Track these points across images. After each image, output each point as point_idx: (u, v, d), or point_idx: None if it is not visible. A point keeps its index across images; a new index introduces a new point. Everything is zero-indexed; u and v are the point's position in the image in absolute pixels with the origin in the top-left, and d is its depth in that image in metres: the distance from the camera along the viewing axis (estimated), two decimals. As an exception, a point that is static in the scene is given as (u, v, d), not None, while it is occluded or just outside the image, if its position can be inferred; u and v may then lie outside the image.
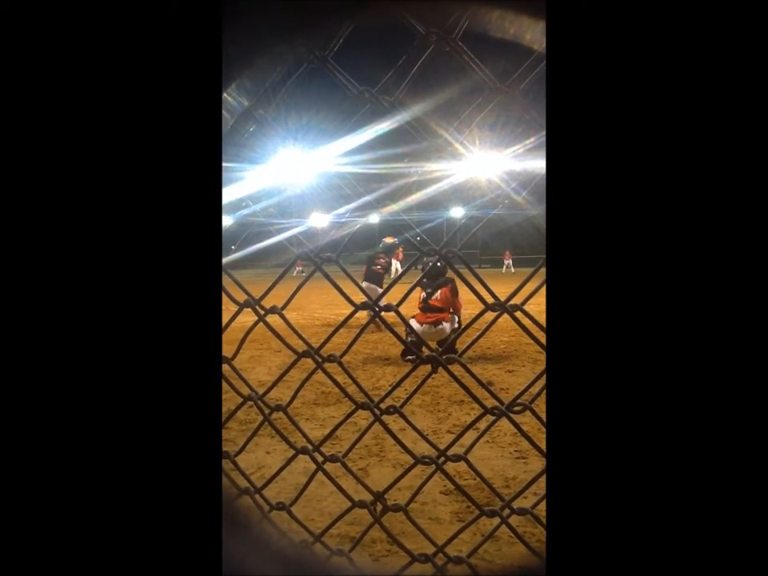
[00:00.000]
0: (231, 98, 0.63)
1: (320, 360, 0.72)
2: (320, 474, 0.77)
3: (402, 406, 0.72)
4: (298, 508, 0.78)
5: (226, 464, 0.65)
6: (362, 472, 2.58)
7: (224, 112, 0.61)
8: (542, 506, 0.70)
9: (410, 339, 4.84)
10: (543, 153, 0.52)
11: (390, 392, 0.73)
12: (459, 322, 5.35)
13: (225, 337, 0.66)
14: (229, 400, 0.73)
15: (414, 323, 5.25)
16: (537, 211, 0.68)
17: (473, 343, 0.75)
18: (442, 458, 0.71)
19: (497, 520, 0.72)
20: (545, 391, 0.58)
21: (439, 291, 5.20)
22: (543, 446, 0.69)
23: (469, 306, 7.19)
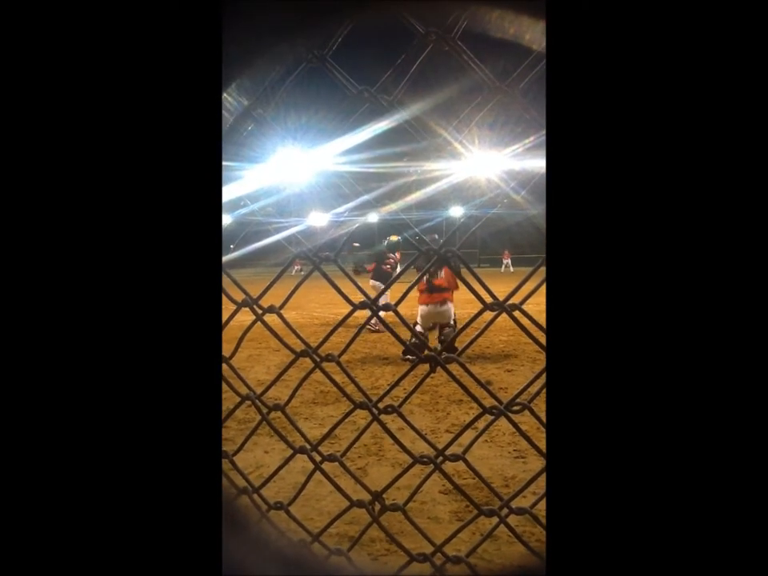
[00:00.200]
0: (231, 98, 0.62)
1: (318, 359, 0.72)
2: (319, 474, 0.77)
3: (400, 405, 0.72)
4: (296, 507, 0.78)
5: (224, 463, 0.65)
6: (361, 471, 2.58)
7: (223, 111, 0.61)
8: (541, 505, 0.70)
9: (412, 340, 4.85)
10: (542, 152, 0.52)
11: (388, 391, 0.73)
12: (455, 321, 5.36)
13: (223, 336, 0.66)
14: (227, 399, 0.73)
15: (419, 308, 5.27)
16: (536, 210, 0.68)
17: (471, 342, 0.75)
18: (441, 458, 0.71)
19: (496, 519, 0.72)
20: (543, 391, 0.58)
21: (443, 270, 5.21)
22: (542, 445, 0.70)
23: (467, 305, 7.18)
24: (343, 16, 0.56)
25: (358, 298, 0.71)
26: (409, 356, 5.10)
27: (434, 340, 5.60)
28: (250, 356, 5.32)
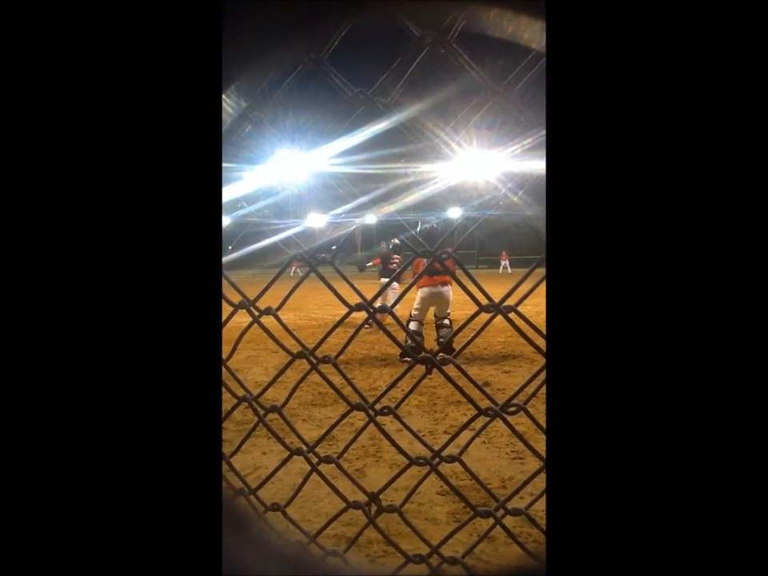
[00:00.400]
0: (229, 99, 0.62)
1: (315, 361, 0.72)
2: (316, 475, 0.77)
3: (396, 407, 0.72)
4: (293, 509, 0.78)
5: (222, 465, 0.65)
6: (359, 472, 2.58)
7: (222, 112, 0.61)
8: (538, 506, 0.70)
9: (408, 342, 4.85)
10: (540, 153, 0.52)
11: (384, 393, 0.73)
12: (451, 322, 5.36)
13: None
14: (225, 401, 0.73)
15: (418, 292, 5.26)
16: (534, 212, 0.68)
17: (467, 344, 0.75)
18: (437, 459, 0.71)
19: (492, 521, 0.72)
20: (539, 392, 0.58)
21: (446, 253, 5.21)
22: (539, 446, 0.70)
23: (465, 306, 7.19)
24: (342, 16, 0.56)
25: (354, 300, 0.71)
26: (406, 358, 5.10)
27: (431, 341, 5.60)
28: (248, 357, 5.32)
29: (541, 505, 0.61)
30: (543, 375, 0.62)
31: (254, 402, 0.76)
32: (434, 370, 0.69)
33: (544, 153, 0.51)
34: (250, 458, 2.70)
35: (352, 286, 0.72)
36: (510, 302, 0.65)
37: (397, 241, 7.47)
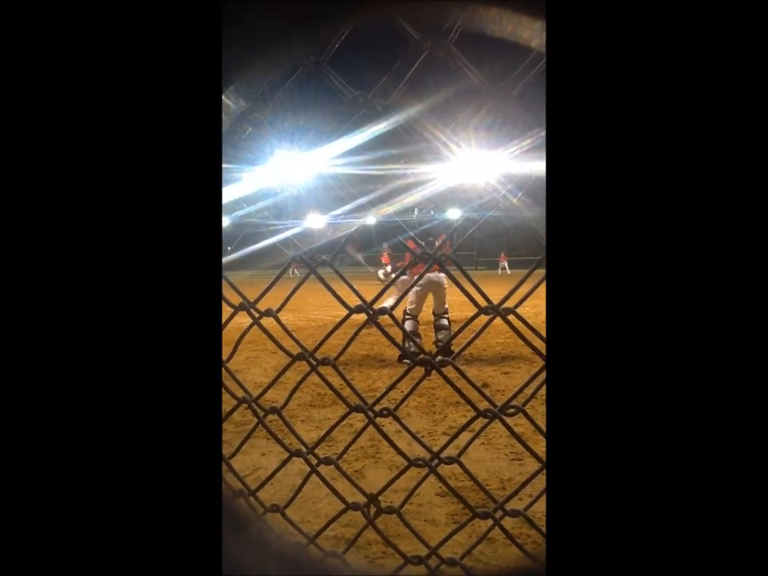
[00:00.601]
0: (228, 100, 0.62)
1: (314, 363, 0.72)
2: (315, 476, 0.77)
3: (395, 408, 0.72)
4: (293, 510, 0.78)
5: (222, 465, 0.65)
6: (358, 474, 2.58)
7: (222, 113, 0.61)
8: (536, 507, 0.70)
9: (406, 345, 4.84)
10: (540, 154, 0.52)
11: (383, 394, 0.73)
12: (449, 322, 5.35)
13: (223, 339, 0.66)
14: (224, 401, 0.73)
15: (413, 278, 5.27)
16: (533, 213, 0.68)
17: (466, 346, 0.75)
18: (436, 461, 0.71)
19: (491, 522, 0.72)
20: (538, 394, 0.58)
21: (438, 239, 5.25)
22: (537, 447, 0.70)
23: (463, 307, 7.20)
24: (342, 17, 0.56)
25: (354, 301, 0.71)
26: (405, 360, 5.10)
27: (430, 343, 5.60)
28: (248, 358, 5.32)
29: (540, 506, 0.61)
30: (541, 377, 0.62)
31: (253, 404, 0.76)
32: (433, 371, 0.69)
33: (544, 154, 0.51)
34: (249, 458, 2.70)
35: (352, 288, 0.72)
36: (509, 304, 0.65)
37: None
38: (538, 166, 0.54)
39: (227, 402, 0.77)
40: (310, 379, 0.77)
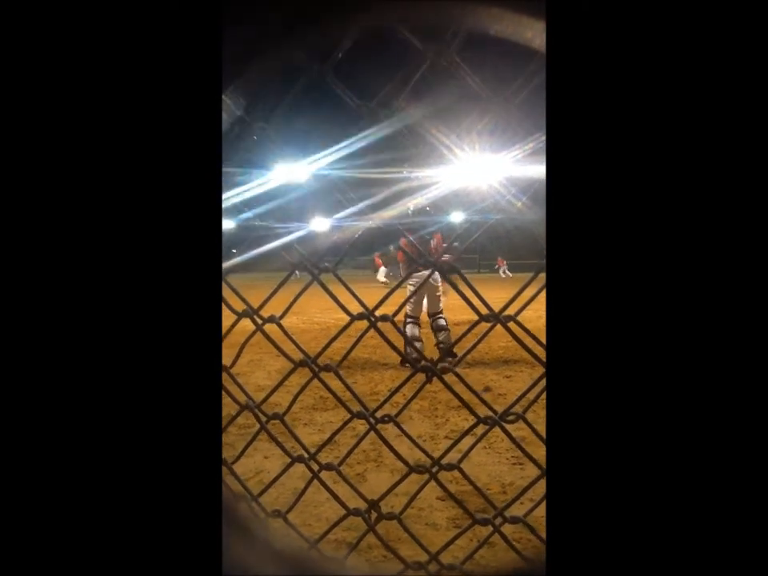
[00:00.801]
0: (229, 100, 0.62)
1: (316, 369, 0.73)
2: (317, 480, 0.77)
3: (397, 414, 0.73)
4: (295, 513, 0.78)
5: (222, 465, 0.65)
6: (360, 477, 2.58)
7: (224, 115, 0.61)
8: (537, 512, 0.70)
9: (407, 350, 4.83)
10: (543, 158, 0.52)
11: (385, 400, 0.73)
12: (446, 322, 5.32)
13: (225, 341, 0.66)
14: (228, 405, 0.74)
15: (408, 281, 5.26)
16: (536, 216, 0.68)
17: (467, 353, 0.76)
18: (436, 467, 0.72)
19: (490, 527, 0.72)
20: (538, 400, 0.58)
21: (434, 238, 5.26)
22: (539, 451, 0.69)
23: (465, 311, 7.17)
24: (342, 17, 0.56)
25: (355, 308, 0.71)
26: (407, 364, 5.09)
27: (431, 347, 5.59)
28: (251, 361, 5.32)
29: (540, 511, 0.61)
30: (542, 383, 0.62)
31: (255, 409, 0.77)
32: (433, 377, 0.69)
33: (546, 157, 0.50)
34: (252, 461, 2.70)
35: (353, 294, 0.73)
36: (511, 310, 0.65)
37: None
38: (540, 170, 0.54)
39: (231, 405, 0.78)
40: (313, 382, 0.77)
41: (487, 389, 4.31)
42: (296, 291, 0.78)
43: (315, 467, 0.77)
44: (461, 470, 0.72)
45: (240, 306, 0.75)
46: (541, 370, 0.59)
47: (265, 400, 0.78)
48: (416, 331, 5.29)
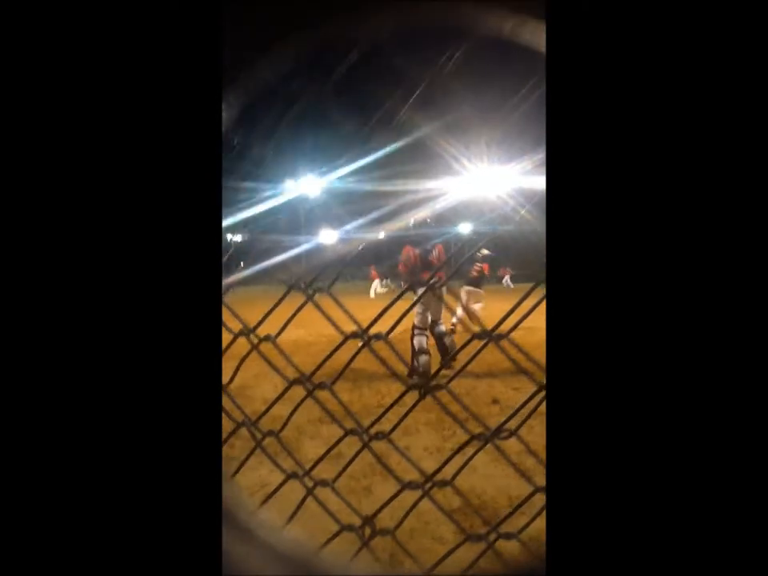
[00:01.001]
0: (229, 101, 0.61)
1: (311, 387, 0.74)
2: (319, 491, 0.78)
3: (390, 432, 0.73)
4: (299, 523, 0.77)
5: (222, 465, 0.65)
6: (366, 490, 2.56)
7: (224, 114, 0.60)
8: (536, 527, 0.69)
9: (415, 363, 4.83)
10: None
11: (378, 418, 0.74)
12: (445, 328, 5.30)
13: (228, 353, 0.67)
14: (231, 409, 0.73)
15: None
16: (541, 226, 0.68)
17: (459, 371, 0.80)
18: (429, 484, 0.72)
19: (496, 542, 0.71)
20: (530, 417, 0.58)
21: (436, 248, 5.24)
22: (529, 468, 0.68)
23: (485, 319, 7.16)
24: (342, 18, 0.55)
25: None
26: (415, 376, 5.07)
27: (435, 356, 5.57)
28: (257, 374, 5.30)
29: (540, 522, 0.60)
30: (537, 398, 0.62)
31: (252, 427, 0.77)
32: (442, 386, 0.69)
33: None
34: (257, 475, 2.69)
35: (348, 313, 0.73)
36: (509, 323, 0.66)
37: (485, 251, 7.53)
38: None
39: (229, 418, 0.78)
40: (319, 395, 0.78)
41: (495, 401, 4.28)
42: (299, 304, 0.79)
43: (311, 483, 0.77)
44: (454, 487, 0.73)
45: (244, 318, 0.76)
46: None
47: (260, 418, 0.79)
48: (424, 342, 5.27)
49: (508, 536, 0.71)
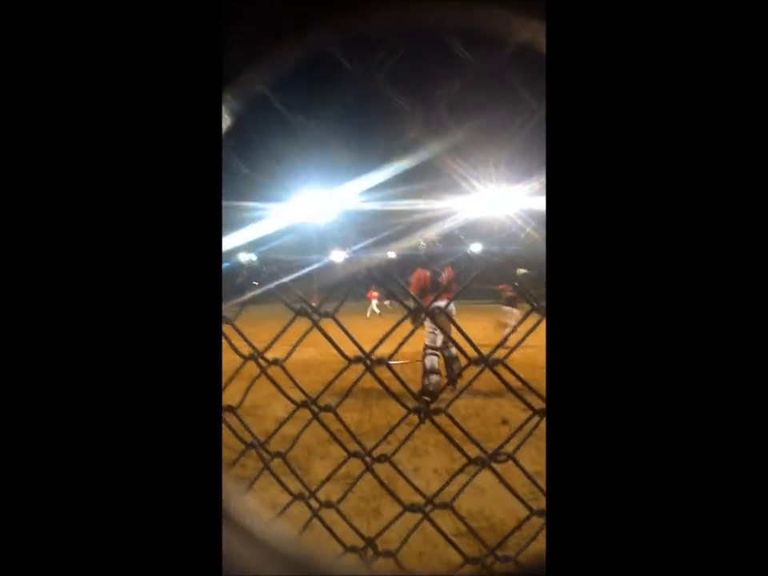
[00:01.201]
0: (229, 101, 0.61)
1: (317, 410, 0.74)
2: (324, 511, 0.78)
3: (392, 454, 0.74)
4: (311, 538, 0.77)
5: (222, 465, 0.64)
6: (375, 512, 2.54)
7: (225, 115, 0.59)
8: (536, 547, 0.69)
9: (425, 383, 4.80)
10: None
11: (379, 443, 0.75)
12: (455, 352, 5.27)
13: (240, 373, 0.67)
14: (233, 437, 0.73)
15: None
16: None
17: (458, 395, 0.83)
18: (430, 506, 0.72)
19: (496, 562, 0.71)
20: (524, 443, 0.58)
21: (445, 271, 5.26)
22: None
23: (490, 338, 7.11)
24: (337, 21, 0.55)
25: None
26: (425, 396, 5.04)
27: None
28: (269, 394, 5.29)
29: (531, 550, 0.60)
30: (533, 422, 0.62)
31: (260, 449, 0.78)
32: (450, 403, 0.70)
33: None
34: (268, 495, 2.67)
35: (351, 338, 0.74)
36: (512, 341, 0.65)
37: (522, 270, 7.47)
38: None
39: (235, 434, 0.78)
40: (329, 415, 0.78)
41: (505, 421, 4.24)
42: (307, 322, 0.79)
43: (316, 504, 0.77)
44: (453, 510, 0.73)
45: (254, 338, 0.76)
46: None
47: (269, 438, 0.79)
48: (435, 362, 5.23)
49: (505, 559, 0.71)
